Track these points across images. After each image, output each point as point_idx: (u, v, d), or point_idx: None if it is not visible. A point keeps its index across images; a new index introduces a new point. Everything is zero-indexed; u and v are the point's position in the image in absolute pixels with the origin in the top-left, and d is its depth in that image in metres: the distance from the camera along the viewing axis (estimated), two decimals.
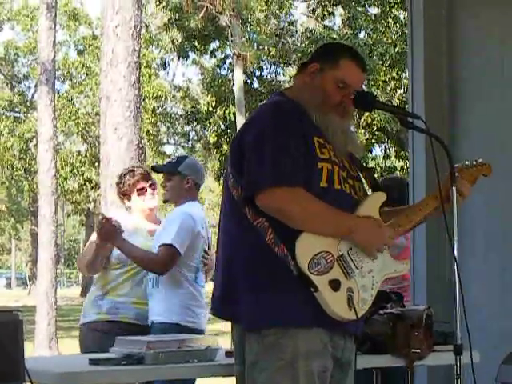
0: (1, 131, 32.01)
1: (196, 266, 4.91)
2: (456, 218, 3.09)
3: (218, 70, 26.22)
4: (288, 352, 2.97)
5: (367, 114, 20.63)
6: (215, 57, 26.17)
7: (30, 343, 15.63)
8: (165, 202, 5.26)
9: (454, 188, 3.12)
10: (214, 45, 25.61)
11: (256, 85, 25.40)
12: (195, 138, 31.57)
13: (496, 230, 5.07)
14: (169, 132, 34.11)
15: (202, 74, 28.48)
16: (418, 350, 3.69)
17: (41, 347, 16.39)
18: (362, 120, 21.95)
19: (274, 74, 25.91)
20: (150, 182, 5.17)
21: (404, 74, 21.64)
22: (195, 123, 28.41)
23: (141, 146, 12.32)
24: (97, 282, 5.16)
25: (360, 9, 23.26)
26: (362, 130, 22.45)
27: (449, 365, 3.22)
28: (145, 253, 4.87)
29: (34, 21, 31.14)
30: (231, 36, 23.52)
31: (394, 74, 22.85)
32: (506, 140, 5.07)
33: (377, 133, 23.34)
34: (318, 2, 23.86)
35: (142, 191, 5.15)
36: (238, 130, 3.30)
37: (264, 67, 25.53)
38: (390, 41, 22.72)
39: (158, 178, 5.39)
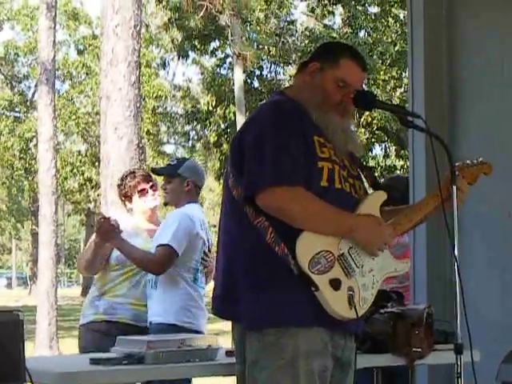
0: (1, 131, 32.03)
1: (195, 267, 4.91)
2: (456, 217, 3.09)
3: (218, 69, 26.22)
4: (288, 351, 2.97)
5: (367, 113, 20.62)
6: (215, 56, 26.17)
7: (30, 343, 15.63)
8: (165, 204, 5.26)
9: (454, 187, 3.12)
10: (214, 44, 25.61)
11: (256, 84, 25.41)
12: (195, 137, 31.57)
13: (496, 230, 5.07)
14: (169, 131, 34.13)
15: (202, 74, 28.50)
16: (419, 349, 3.69)
17: (41, 347, 16.39)
18: (362, 119, 21.95)
19: (273, 74, 25.91)
20: (150, 183, 5.18)
21: (404, 73, 21.64)
22: (195, 123, 28.40)
23: (141, 145, 12.32)
24: (96, 282, 5.18)
25: (360, 8, 23.25)
26: (362, 129, 22.45)
27: (449, 364, 3.22)
28: (143, 253, 4.88)
29: (34, 20, 31.15)
30: (231, 35, 23.51)
31: (394, 73, 22.85)
32: (506, 140, 5.07)
33: (377, 132, 23.35)
34: (317, 1, 23.86)
35: (143, 192, 5.16)
36: (238, 129, 3.30)
37: (264, 66, 25.53)
38: (389, 40, 22.72)
39: (159, 179, 5.39)
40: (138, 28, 12.27)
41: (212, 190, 38.74)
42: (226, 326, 3.34)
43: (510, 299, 4.95)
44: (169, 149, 35.13)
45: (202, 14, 22.98)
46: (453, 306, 3.03)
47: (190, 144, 32.07)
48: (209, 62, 27.87)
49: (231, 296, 3.08)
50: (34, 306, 18.05)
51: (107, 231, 4.85)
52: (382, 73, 22.45)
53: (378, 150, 25.03)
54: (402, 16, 22.21)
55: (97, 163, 26.41)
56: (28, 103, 34.89)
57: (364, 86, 3.38)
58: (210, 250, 4.99)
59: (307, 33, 23.69)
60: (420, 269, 5.20)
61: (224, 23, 23.69)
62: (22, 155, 32.35)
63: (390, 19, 23.06)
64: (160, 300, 4.85)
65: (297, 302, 2.97)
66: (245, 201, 3.03)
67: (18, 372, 2.87)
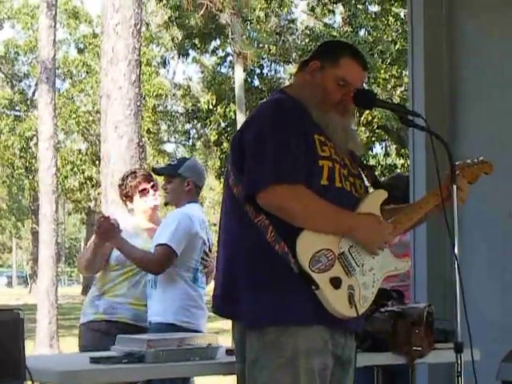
0: (1, 130, 32.03)
1: (194, 267, 4.91)
2: (456, 217, 3.09)
3: (218, 68, 26.24)
4: (288, 350, 2.97)
5: (367, 111, 20.62)
6: (216, 55, 26.18)
7: (30, 342, 15.64)
8: (166, 204, 5.26)
9: (454, 186, 3.12)
10: (215, 43, 25.62)
11: (256, 83, 25.41)
12: (196, 136, 31.59)
13: (496, 230, 5.07)
14: (169, 130, 34.12)
15: (202, 72, 28.51)
16: (419, 348, 3.69)
17: (42, 346, 16.40)
18: (363, 118, 21.95)
19: (274, 72, 25.92)
20: (151, 183, 5.18)
21: (404, 72, 21.64)
22: (196, 121, 28.43)
23: (141, 144, 12.33)
24: (96, 282, 5.19)
25: (360, 6, 23.25)
26: (363, 128, 22.46)
27: (449, 363, 3.22)
28: (142, 253, 4.88)
29: (35, 19, 31.14)
30: (231, 34, 23.52)
31: (395, 72, 22.85)
32: (506, 140, 5.07)
33: (377, 131, 23.35)
34: (318, 0, 23.86)
35: (143, 192, 5.17)
36: (238, 128, 3.30)
37: (264, 65, 25.54)
38: (390, 38, 22.72)
39: (159, 179, 5.39)
40: (138, 26, 12.27)
41: (212, 188, 38.74)
42: (226, 324, 3.34)
43: (510, 299, 4.95)
44: (169, 147, 35.16)
45: (202, 12, 22.98)
46: (453, 305, 3.03)
47: (191, 143, 32.08)
48: (209, 60, 27.91)
49: (231, 295, 3.08)
50: (34, 305, 18.06)
51: (107, 230, 4.85)
52: (382, 71, 22.45)
53: (378, 149, 25.06)
54: (402, 15, 22.22)
55: (97, 162, 26.42)
56: (28, 102, 34.89)
57: (364, 84, 3.37)
58: (210, 250, 4.99)
59: (307, 31, 23.70)
60: (420, 268, 5.20)
61: (224, 22, 23.70)
62: (22, 154, 32.35)
63: (391, 18, 23.06)
64: (159, 300, 4.85)
65: (297, 300, 2.97)
66: (245, 199, 3.03)
67: (19, 370, 2.87)
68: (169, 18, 25.13)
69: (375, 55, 22.04)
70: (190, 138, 32.05)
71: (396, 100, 22.27)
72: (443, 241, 4.71)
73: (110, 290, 5.07)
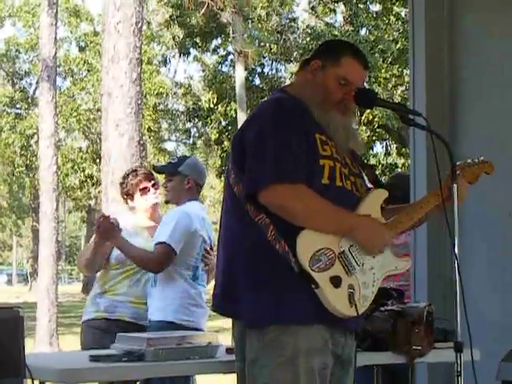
0: (2, 128, 32.05)
1: (194, 265, 4.91)
2: (457, 215, 3.09)
3: (219, 66, 26.23)
4: (289, 349, 2.97)
5: (368, 111, 20.63)
6: (217, 53, 26.18)
7: (30, 340, 15.65)
8: (166, 202, 5.27)
9: (454, 185, 3.12)
10: (216, 41, 25.63)
11: (257, 81, 25.41)
12: (196, 134, 31.59)
13: (496, 230, 5.07)
14: (170, 129, 34.13)
15: (203, 71, 28.51)
16: (419, 347, 3.69)
17: (41, 344, 16.41)
18: (364, 117, 21.95)
19: (275, 71, 25.92)
20: (152, 182, 5.19)
21: (405, 71, 21.64)
22: (196, 120, 28.42)
23: (142, 142, 12.34)
24: (97, 281, 5.21)
25: (361, 6, 23.26)
26: (364, 127, 22.46)
27: (449, 362, 3.22)
28: (142, 252, 4.89)
29: (36, 17, 31.14)
30: (232, 33, 23.52)
31: (395, 71, 22.86)
32: (506, 140, 5.07)
33: (378, 130, 23.35)
34: None
35: (144, 191, 5.18)
36: (239, 126, 3.30)
37: (265, 64, 25.54)
38: (391, 38, 22.72)
39: (160, 177, 5.40)
40: (139, 25, 12.28)
41: (213, 187, 38.74)
42: (227, 323, 3.34)
43: (510, 299, 4.95)
44: (170, 146, 35.17)
45: (203, 11, 22.99)
46: (453, 305, 3.03)
47: (191, 141, 32.08)
48: (210, 59, 27.90)
49: (231, 294, 3.08)
50: (34, 303, 18.07)
51: (107, 230, 4.85)
52: (383, 71, 22.46)
53: (379, 148, 25.06)
54: (403, 14, 22.23)
55: (98, 160, 26.42)
56: (29, 100, 34.90)
57: (365, 83, 3.37)
58: (212, 248, 4.99)
59: (309, 30, 23.70)
60: (420, 268, 5.20)
61: (225, 20, 23.70)
62: (23, 152, 32.36)
63: (392, 17, 23.07)
64: (159, 298, 4.86)
65: (297, 299, 2.97)
66: (246, 198, 3.03)
67: (18, 368, 2.87)
68: (170, 16, 25.13)
69: (376, 54, 22.04)
70: (190, 137, 32.06)
71: (397, 99, 22.27)
72: (444, 241, 4.71)
73: (110, 289, 5.08)
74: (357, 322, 3.11)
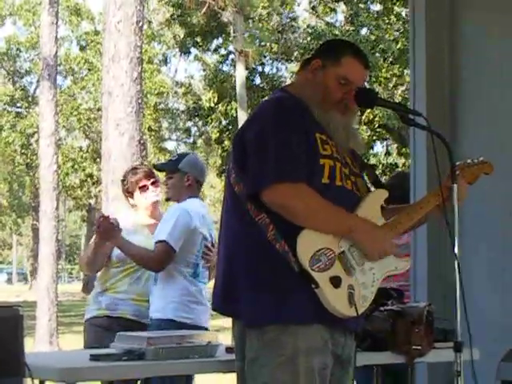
0: (2, 126, 32.06)
1: (195, 262, 4.91)
2: (457, 215, 3.09)
3: (220, 66, 26.23)
4: (288, 348, 2.97)
5: (369, 110, 20.63)
6: (217, 53, 26.18)
7: (30, 339, 15.65)
8: (167, 200, 5.28)
9: (454, 185, 3.12)
10: (216, 41, 25.63)
11: (258, 81, 25.42)
12: (197, 134, 31.61)
13: (496, 230, 5.07)
14: (170, 128, 34.15)
15: (204, 70, 28.51)
16: (419, 347, 3.69)
17: (41, 342, 16.41)
18: (364, 117, 21.96)
19: (275, 71, 25.93)
20: (152, 180, 5.20)
21: (406, 71, 21.64)
22: (197, 119, 28.43)
23: (142, 141, 12.33)
24: (99, 279, 5.23)
25: (362, 5, 23.26)
26: (364, 127, 22.46)
27: (449, 362, 3.22)
28: (142, 251, 4.89)
29: (36, 16, 31.15)
30: (233, 32, 23.52)
31: (396, 71, 22.85)
32: (506, 140, 5.07)
33: (378, 129, 23.35)
34: None
35: (143, 189, 5.19)
36: (240, 126, 3.30)
37: (266, 63, 25.55)
38: (391, 38, 22.72)
39: (161, 175, 5.41)
40: (140, 24, 12.27)
41: (213, 186, 38.75)
42: (227, 322, 3.35)
43: (509, 299, 4.95)
44: (170, 145, 35.20)
45: (204, 10, 22.99)
46: (453, 305, 3.03)
47: (192, 140, 32.11)
48: (211, 58, 27.91)
49: (232, 294, 3.08)
50: (34, 302, 18.08)
51: (107, 230, 4.86)
52: (383, 70, 22.46)
53: (379, 148, 25.08)
54: (404, 14, 22.23)
55: (98, 159, 26.42)
56: (30, 99, 34.93)
57: (365, 83, 3.37)
58: (213, 245, 4.99)
59: (309, 30, 23.69)
60: (420, 268, 5.20)
61: (226, 20, 23.71)
62: (23, 151, 32.39)
63: (392, 17, 23.07)
64: (159, 296, 4.86)
65: (297, 299, 2.97)
66: (248, 198, 3.04)
67: (18, 367, 2.87)
68: (171, 15, 25.14)
69: (377, 54, 22.05)
70: (191, 136, 32.08)
71: (397, 99, 22.28)
72: (444, 241, 4.71)
73: (112, 287, 5.10)
74: (356, 322, 3.11)
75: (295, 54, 24.20)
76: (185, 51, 26.11)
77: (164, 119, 32.64)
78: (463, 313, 2.99)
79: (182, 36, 25.76)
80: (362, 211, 3.12)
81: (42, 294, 17.02)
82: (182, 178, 4.99)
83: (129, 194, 5.26)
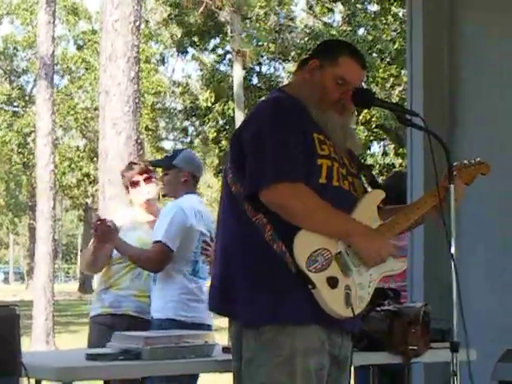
0: None
1: (193, 259, 4.91)
2: (453, 215, 3.09)
3: (217, 65, 26.24)
4: (286, 349, 2.97)
5: (366, 111, 20.63)
6: (215, 53, 26.19)
7: (27, 338, 15.64)
8: (164, 196, 5.29)
9: (451, 186, 3.12)
10: (214, 41, 25.63)
11: (255, 81, 25.43)
12: (194, 133, 31.59)
13: (495, 230, 5.07)
14: (167, 127, 34.12)
15: (201, 70, 28.50)
16: (415, 347, 3.69)
17: (38, 342, 16.39)
18: (361, 117, 21.97)
19: (273, 70, 25.94)
20: (145, 176, 5.21)
21: (403, 71, 21.65)
22: (194, 119, 28.44)
23: (139, 141, 12.33)
24: (102, 276, 5.26)
25: (359, 6, 23.28)
26: (361, 127, 22.47)
27: (445, 362, 3.22)
28: (140, 252, 4.90)
29: (34, 15, 31.09)
30: (231, 32, 23.53)
31: (393, 71, 22.87)
32: (505, 140, 5.07)
33: (375, 130, 23.37)
34: None
35: (135, 184, 5.21)
36: (237, 125, 3.30)
37: (263, 63, 25.55)
38: (389, 38, 22.74)
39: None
40: (137, 23, 12.27)
41: (210, 186, 38.76)
42: (224, 322, 3.34)
43: (508, 299, 4.95)
44: (167, 145, 35.13)
45: (201, 10, 22.99)
46: (449, 306, 3.02)
47: (189, 140, 32.08)
48: (208, 58, 27.90)
49: (229, 295, 3.08)
50: (30, 301, 18.06)
51: (104, 233, 4.87)
52: (380, 71, 22.48)
53: (376, 148, 25.10)
54: (401, 14, 22.24)
55: (95, 158, 26.42)
56: (27, 98, 34.88)
57: (363, 83, 3.37)
58: (212, 240, 4.97)
59: (307, 30, 23.72)
60: (417, 268, 5.20)
61: (223, 19, 23.72)
62: (20, 150, 32.35)
63: (390, 17, 23.09)
64: (159, 296, 4.87)
65: (294, 300, 2.97)
66: (245, 198, 3.03)
67: (14, 367, 2.87)
68: (168, 15, 25.14)
69: (374, 54, 22.07)
70: (188, 136, 32.06)
71: (394, 99, 22.29)
72: (440, 241, 4.68)
73: (115, 283, 5.13)
74: (353, 322, 3.11)
75: (292, 53, 24.21)
76: (182, 51, 26.13)
77: (161, 119, 32.62)
78: (460, 312, 2.98)
79: (179, 35, 25.76)
80: (358, 212, 3.11)
81: (38, 294, 17.01)
82: (177, 174, 4.99)
83: (126, 188, 5.31)
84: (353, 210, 3.11)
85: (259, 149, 3.02)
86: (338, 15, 25.04)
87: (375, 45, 22.23)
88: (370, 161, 23.17)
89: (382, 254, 3.05)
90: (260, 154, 3.01)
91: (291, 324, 2.98)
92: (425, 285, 5.18)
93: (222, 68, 26.09)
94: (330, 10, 24.44)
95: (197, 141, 31.59)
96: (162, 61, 30.73)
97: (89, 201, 36.37)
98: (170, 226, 4.79)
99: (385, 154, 24.68)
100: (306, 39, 23.28)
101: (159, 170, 5.44)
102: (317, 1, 24.08)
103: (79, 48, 32.96)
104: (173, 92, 31.72)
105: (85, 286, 38.81)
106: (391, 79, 23.26)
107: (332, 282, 2.96)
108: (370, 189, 3.32)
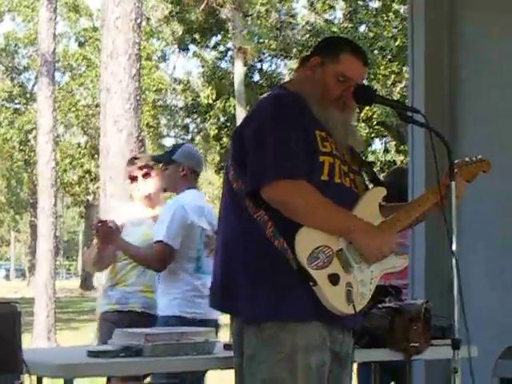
0: (0, 123, 32.03)
1: (196, 256, 4.90)
2: (455, 213, 3.09)
3: (218, 62, 26.23)
4: (287, 345, 2.97)
5: (367, 108, 20.61)
6: (216, 50, 26.17)
7: (28, 335, 15.66)
8: (164, 190, 5.29)
9: (452, 183, 3.12)
10: (215, 38, 25.62)
11: (256, 78, 25.42)
12: (195, 130, 31.57)
13: (494, 229, 5.07)
14: (169, 124, 34.10)
15: (202, 67, 28.49)
16: (417, 344, 3.69)
17: (39, 339, 16.40)
18: (362, 114, 21.95)
19: (274, 67, 25.92)
20: (144, 171, 5.23)
21: (404, 68, 21.64)
22: (195, 116, 28.43)
23: (140, 138, 12.32)
24: (109, 273, 5.29)
25: (361, 2, 23.26)
26: (362, 124, 22.46)
27: (446, 359, 3.22)
28: (142, 252, 4.92)
29: (35, 12, 31.09)
30: (232, 29, 23.52)
31: (395, 68, 22.85)
32: (505, 139, 5.07)
33: (377, 127, 23.36)
34: None
35: (134, 180, 5.25)
36: (238, 122, 3.31)
37: (264, 60, 25.54)
38: (390, 35, 22.72)
39: None
40: (138, 21, 12.26)
41: (212, 183, 38.75)
42: (225, 319, 3.35)
43: (508, 298, 4.95)
44: (168, 142, 35.10)
45: (202, 7, 22.98)
46: (450, 303, 3.02)
47: (190, 137, 32.06)
48: (209, 55, 27.88)
49: (230, 292, 3.08)
50: (32, 298, 18.07)
51: (106, 234, 4.88)
52: (382, 68, 22.46)
53: (377, 145, 25.09)
54: (402, 11, 22.22)
55: (96, 156, 26.40)
56: (28, 95, 34.87)
57: (364, 80, 3.37)
58: (215, 233, 4.96)
59: (308, 27, 23.69)
60: (418, 266, 5.21)
61: (225, 16, 23.70)
62: (21, 147, 32.35)
63: (391, 14, 23.07)
64: (163, 294, 4.87)
65: (296, 296, 2.97)
66: (246, 195, 3.03)
67: (16, 363, 2.87)
68: (169, 12, 25.13)
69: (375, 51, 22.05)
70: (189, 133, 32.04)
71: (396, 96, 22.27)
72: (441, 239, 4.68)
73: (122, 280, 5.15)
74: (354, 319, 3.11)
75: (294, 50, 24.19)
76: (183, 48, 26.13)
77: (162, 116, 32.60)
78: (461, 309, 2.99)
79: (180, 33, 25.75)
80: (360, 209, 3.11)
81: (39, 291, 17.01)
82: (176, 168, 4.98)
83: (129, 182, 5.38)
84: (354, 207, 3.11)
85: (260, 146, 3.02)
86: (339, 12, 25.04)
87: (376, 42, 22.21)
88: (371, 158, 23.16)
89: (384, 251, 3.05)
90: (261, 150, 3.01)
91: (292, 320, 2.98)
92: (426, 282, 5.19)
93: (223, 65, 26.10)
94: (331, 7, 24.42)
95: (198, 138, 31.58)
96: (164, 58, 30.75)
97: (90, 198, 36.37)
98: (170, 225, 4.79)
99: (386, 151, 24.67)
100: (307, 36, 23.26)
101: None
102: None
103: (80, 45, 32.94)
104: (174, 89, 31.71)
105: (86, 283, 38.85)
106: (392, 76, 23.24)
107: (333, 279, 2.96)
108: (371, 186, 3.32)
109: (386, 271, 3.14)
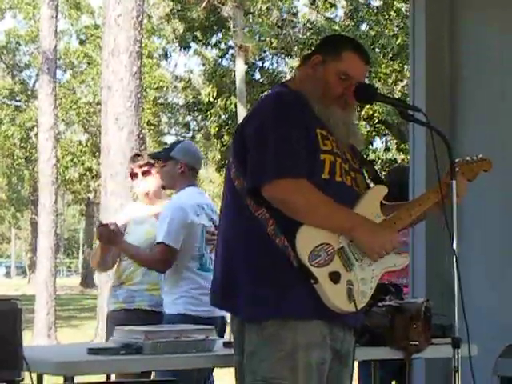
0: (2, 120, 32.01)
1: (199, 254, 4.90)
2: (455, 211, 3.09)
3: (219, 60, 26.21)
4: (288, 343, 2.97)
5: (368, 106, 20.60)
6: (217, 48, 26.15)
7: (28, 332, 15.67)
8: (163, 187, 5.30)
9: (453, 181, 3.12)
10: (216, 36, 25.60)
11: (257, 76, 25.40)
12: (196, 128, 31.58)
13: (496, 228, 5.07)
14: (170, 122, 34.11)
15: (203, 65, 28.49)
16: (417, 343, 3.69)
17: (39, 336, 16.41)
18: (364, 112, 21.94)
19: (275, 66, 25.91)
20: (143, 169, 5.23)
21: (406, 67, 21.62)
22: (196, 114, 28.43)
23: (141, 136, 12.34)
24: (115, 273, 5.31)
25: (362, 1, 23.24)
26: (363, 123, 22.44)
27: (447, 358, 3.23)
28: (144, 253, 4.94)
29: (36, 9, 31.07)
30: (233, 27, 23.50)
31: (396, 67, 22.84)
32: (506, 138, 5.07)
33: (378, 125, 23.34)
34: None
35: (134, 177, 5.29)
36: (239, 120, 3.31)
37: (266, 58, 25.52)
38: (391, 33, 22.70)
39: None
40: (139, 18, 12.27)
41: (212, 181, 38.74)
42: (228, 316, 3.35)
43: (508, 298, 4.95)
44: (169, 139, 35.09)
45: (204, 5, 22.98)
46: (450, 302, 3.02)
47: (191, 135, 32.06)
48: (210, 53, 27.87)
49: (231, 290, 3.08)
50: (32, 296, 18.09)
51: (108, 237, 4.90)
52: (383, 66, 22.44)
53: (378, 144, 25.06)
54: (404, 9, 22.21)
55: (97, 153, 26.40)
56: (29, 92, 34.88)
57: (365, 79, 3.37)
58: (217, 228, 4.96)
59: (309, 25, 23.67)
60: (419, 264, 5.20)
61: (226, 14, 23.70)
62: (22, 144, 32.34)
63: (392, 12, 23.05)
64: (167, 293, 4.88)
65: (297, 294, 2.97)
66: (247, 193, 3.03)
67: (16, 361, 2.87)
68: (171, 10, 25.12)
69: (376, 49, 22.03)
70: (190, 131, 32.04)
71: (397, 95, 22.25)
72: (442, 237, 4.71)
73: (128, 279, 5.17)
74: (355, 317, 3.11)
75: (295, 49, 24.17)
76: (184, 46, 26.10)
77: (163, 114, 32.60)
78: (461, 307, 2.99)
79: (181, 30, 25.73)
80: (361, 207, 3.11)
81: (40, 288, 17.02)
82: (174, 165, 4.97)
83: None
84: (355, 205, 3.11)
85: (262, 144, 3.02)
86: (340, 10, 25.02)
87: (378, 40, 22.19)
88: (372, 156, 23.15)
89: (386, 248, 3.05)
90: (262, 148, 3.01)
91: (293, 318, 2.98)
92: (426, 280, 5.19)
93: (225, 63, 26.08)
94: (333, 5, 24.40)
95: (199, 136, 31.57)
96: (165, 56, 30.69)
97: (91, 195, 36.39)
98: (170, 226, 4.79)
99: (387, 149, 24.65)
100: (309, 34, 23.25)
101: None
102: None
103: (82, 43, 32.94)
104: (175, 87, 31.71)
105: (87, 281, 38.87)
106: (394, 74, 23.23)
107: (334, 277, 2.96)
108: (372, 184, 3.32)
109: (386, 269, 3.14)
